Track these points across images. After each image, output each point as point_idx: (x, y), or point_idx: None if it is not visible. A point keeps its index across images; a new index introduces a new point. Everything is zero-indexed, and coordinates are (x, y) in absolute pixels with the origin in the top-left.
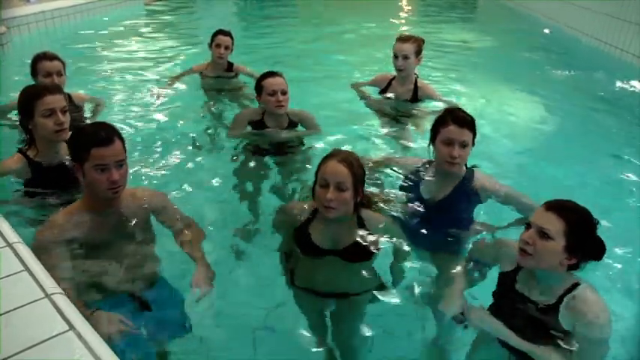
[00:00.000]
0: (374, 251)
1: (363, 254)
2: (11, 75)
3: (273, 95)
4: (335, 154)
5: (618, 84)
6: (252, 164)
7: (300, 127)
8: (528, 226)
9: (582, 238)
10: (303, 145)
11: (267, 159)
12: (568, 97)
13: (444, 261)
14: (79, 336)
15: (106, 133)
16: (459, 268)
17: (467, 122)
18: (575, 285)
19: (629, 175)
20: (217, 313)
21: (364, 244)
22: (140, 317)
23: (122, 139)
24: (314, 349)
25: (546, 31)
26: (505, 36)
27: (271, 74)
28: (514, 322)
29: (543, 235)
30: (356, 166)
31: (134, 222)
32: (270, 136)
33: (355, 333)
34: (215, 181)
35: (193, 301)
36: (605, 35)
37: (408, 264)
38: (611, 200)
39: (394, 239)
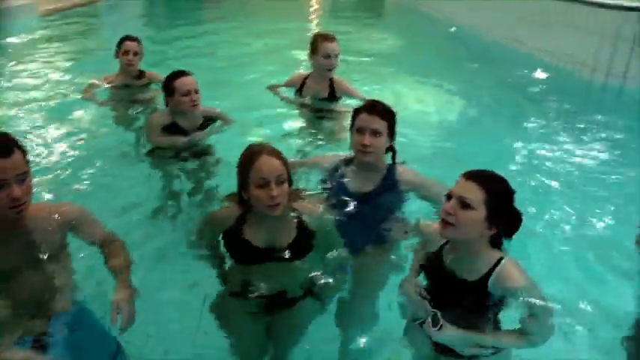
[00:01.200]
0: (313, 244)
1: (306, 248)
2: None
3: (188, 95)
4: (259, 150)
5: (519, 74)
6: (170, 171)
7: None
8: (449, 197)
9: (502, 206)
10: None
11: (184, 164)
12: (476, 88)
13: (374, 256)
14: None
15: (3, 144)
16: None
17: (379, 110)
18: (500, 260)
19: (534, 150)
20: (148, 336)
21: (306, 237)
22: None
23: (23, 150)
24: None
25: (452, 29)
26: (413, 36)
27: (181, 74)
28: (448, 300)
29: (464, 204)
30: (283, 156)
31: (45, 243)
32: (196, 138)
33: (296, 343)
34: (133, 192)
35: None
36: (508, 32)
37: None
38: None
39: (331, 229)
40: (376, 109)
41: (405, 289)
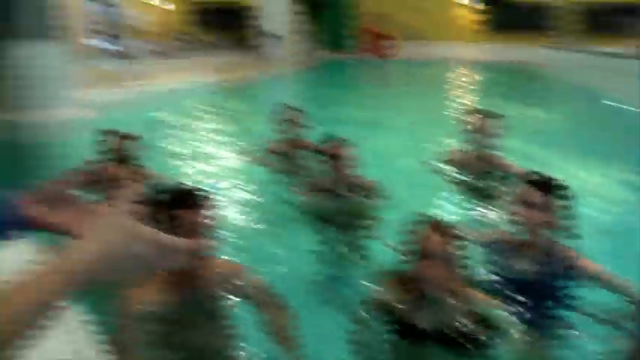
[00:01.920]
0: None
1: (468, 338)
2: None
3: (344, 161)
4: (425, 224)
5: None
6: (328, 232)
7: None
8: None
9: None
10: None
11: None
12: None
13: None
14: None
15: (192, 195)
16: None
17: (535, 182)
18: None
19: None
20: None
21: (470, 326)
22: None
23: (210, 206)
24: None
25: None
26: (572, 113)
27: (340, 141)
28: None
29: None
30: (450, 231)
31: (218, 297)
32: (345, 204)
33: None
34: (293, 256)
35: None
36: None
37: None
38: None
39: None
40: (534, 180)
41: None
